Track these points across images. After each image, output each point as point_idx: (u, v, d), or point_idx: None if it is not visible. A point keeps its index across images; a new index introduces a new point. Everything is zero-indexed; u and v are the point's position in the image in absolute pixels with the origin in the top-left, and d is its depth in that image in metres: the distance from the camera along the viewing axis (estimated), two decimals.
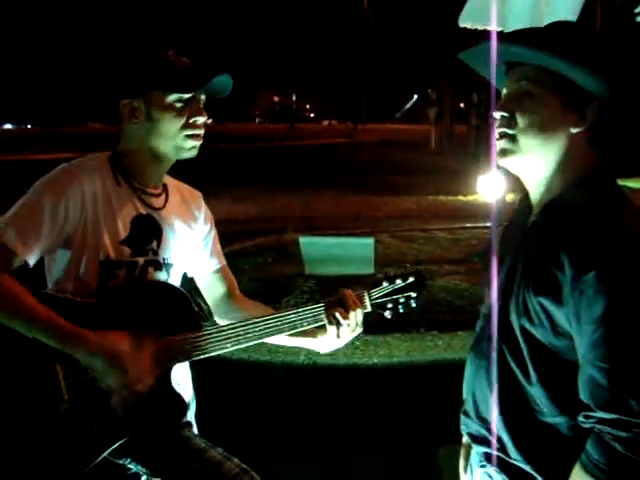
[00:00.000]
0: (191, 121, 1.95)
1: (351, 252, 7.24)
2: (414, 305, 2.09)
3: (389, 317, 2.08)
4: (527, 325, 1.47)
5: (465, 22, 4.32)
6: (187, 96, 1.95)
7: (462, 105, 31.14)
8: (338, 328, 1.98)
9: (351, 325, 1.98)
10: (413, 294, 2.08)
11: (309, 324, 1.99)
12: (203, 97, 2.00)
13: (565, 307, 1.40)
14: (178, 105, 1.94)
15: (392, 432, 3.96)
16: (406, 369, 5.03)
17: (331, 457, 3.72)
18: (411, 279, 2.08)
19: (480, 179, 12.54)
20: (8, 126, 51.00)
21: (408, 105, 65.69)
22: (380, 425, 4.08)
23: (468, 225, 10.35)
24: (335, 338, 2.00)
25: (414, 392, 4.37)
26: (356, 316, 1.99)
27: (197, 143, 1.99)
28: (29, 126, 51.82)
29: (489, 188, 9.38)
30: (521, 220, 1.62)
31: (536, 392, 1.48)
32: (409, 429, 3.87)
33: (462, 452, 1.84)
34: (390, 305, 2.06)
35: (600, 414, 1.36)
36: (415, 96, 60.99)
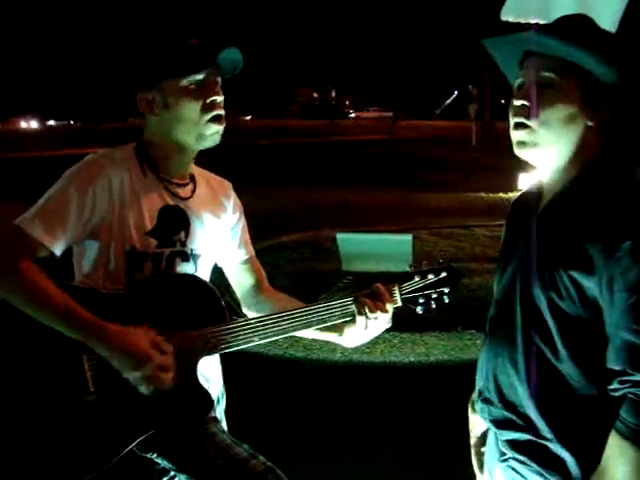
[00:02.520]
0: (208, 101, 1.92)
1: (389, 249, 7.17)
2: (447, 301, 2.04)
3: (420, 312, 2.03)
4: (556, 299, 1.49)
5: (507, 16, 4.22)
6: (200, 77, 1.92)
7: (503, 102, 30.77)
8: (367, 319, 1.94)
9: (380, 318, 1.95)
10: (446, 289, 2.04)
11: (337, 318, 1.96)
12: (218, 79, 1.97)
13: (596, 277, 1.42)
14: (192, 87, 1.91)
15: (428, 431, 3.91)
16: (443, 368, 4.97)
17: (364, 456, 3.69)
18: (444, 274, 2.04)
19: (521, 176, 12.37)
20: (52, 122, 51.92)
21: (448, 101, 65.15)
22: (415, 424, 4.03)
23: None
24: (363, 330, 1.97)
25: (451, 391, 4.31)
26: (385, 308, 1.95)
27: (219, 127, 1.96)
28: (71, 122, 52.69)
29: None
30: (531, 206, 1.63)
31: (565, 368, 1.49)
32: (445, 429, 3.81)
33: (473, 451, 1.85)
34: (422, 300, 2.03)
35: (636, 376, 1.37)
36: (455, 92, 60.50)
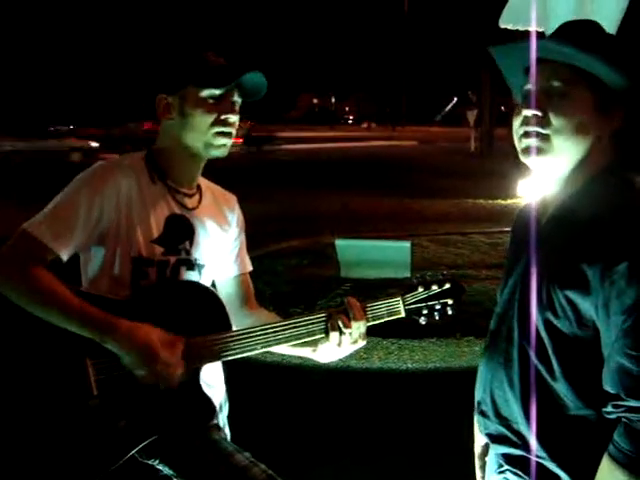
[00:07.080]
0: (222, 118, 1.96)
1: (387, 255, 7.18)
2: (450, 312, 2.05)
3: (423, 323, 2.04)
4: (552, 318, 1.46)
5: (506, 23, 4.24)
6: (219, 92, 1.96)
7: (502, 108, 30.81)
8: (340, 335, 1.94)
9: (353, 335, 1.95)
10: (449, 301, 2.04)
11: (321, 333, 1.95)
12: (238, 99, 2.01)
13: (593, 298, 1.40)
14: (210, 101, 1.96)
15: (425, 439, 3.90)
16: (441, 375, 4.97)
17: (362, 462, 3.69)
18: (447, 285, 2.04)
19: (521, 183, 12.39)
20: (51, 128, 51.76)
21: (448, 107, 65.24)
22: (413, 431, 4.02)
23: (507, 229, 10.18)
24: (335, 347, 1.96)
25: (449, 398, 4.31)
26: (359, 327, 1.95)
27: (227, 141, 2.00)
28: (71, 127, 52.58)
29: (530, 192, 9.25)
30: (534, 218, 1.60)
31: (560, 387, 1.47)
32: (443, 436, 3.81)
33: (477, 462, 1.83)
34: (425, 311, 2.03)
35: (630, 402, 1.35)
36: (455, 98, 60.61)
